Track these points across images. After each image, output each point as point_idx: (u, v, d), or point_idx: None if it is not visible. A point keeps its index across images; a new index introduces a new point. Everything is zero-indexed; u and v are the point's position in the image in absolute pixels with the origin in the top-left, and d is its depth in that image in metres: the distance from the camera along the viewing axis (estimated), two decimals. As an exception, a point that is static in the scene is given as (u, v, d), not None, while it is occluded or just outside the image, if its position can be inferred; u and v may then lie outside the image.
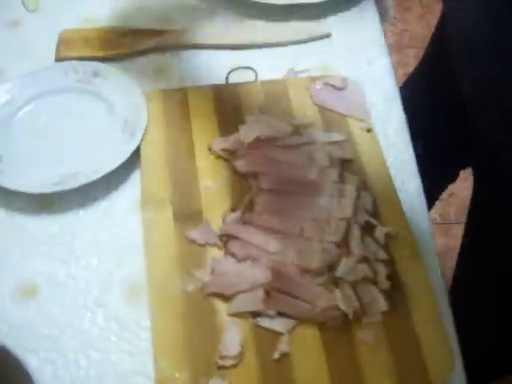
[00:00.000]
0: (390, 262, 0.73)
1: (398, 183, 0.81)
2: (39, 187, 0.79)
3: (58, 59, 0.94)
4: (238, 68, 0.91)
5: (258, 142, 0.81)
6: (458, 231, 1.18)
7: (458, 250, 1.05)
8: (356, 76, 0.92)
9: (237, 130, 0.83)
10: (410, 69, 1.19)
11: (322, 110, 0.87)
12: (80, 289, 0.74)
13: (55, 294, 0.73)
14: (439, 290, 0.73)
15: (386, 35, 1.00)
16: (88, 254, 0.76)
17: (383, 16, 1.03)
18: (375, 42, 0.99)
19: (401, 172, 0.83)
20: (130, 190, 0.81)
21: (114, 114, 0.86)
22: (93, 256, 0.76)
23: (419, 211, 0.80)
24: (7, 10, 1.04)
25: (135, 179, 0.82)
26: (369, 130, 0.85)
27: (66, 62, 0.92)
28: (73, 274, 0.75)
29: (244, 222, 0.75)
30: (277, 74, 0.92)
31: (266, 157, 0.80)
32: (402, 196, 0.80)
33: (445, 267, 1.27)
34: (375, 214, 0.77)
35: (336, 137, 0.84)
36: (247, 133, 0.82)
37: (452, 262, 1.08)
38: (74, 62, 0.92)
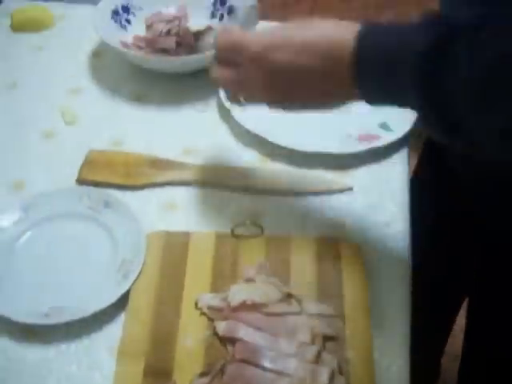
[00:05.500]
0: None
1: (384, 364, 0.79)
2: (24, 316, 0.80)
3: (79, 180, 0.97)
4: (244, 223, 0.91)
5: (244, 307, 0.80)
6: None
7: None
8: (368, 240, 0.91)
9: (228, 287, 0.83)
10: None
11: (321, 275, 0.86)
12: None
13: None
14: None
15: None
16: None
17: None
18: (398, 200, 0.97)
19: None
20: (113, 333, 0.81)
21: (115, 250, 0.87)
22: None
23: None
24: (45, 120, 1.08)
25: (120, 322, 0.82)
26: (362, 305, 0.84)
27: (82, 187, 0.95)
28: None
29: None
30: (286, 225, 0.92)
31: (248, 325, 0.79)
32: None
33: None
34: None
35: (325, 310, 0.82)
36: (235, 295, 0.81)
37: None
38: (90, 188, 0.94)
